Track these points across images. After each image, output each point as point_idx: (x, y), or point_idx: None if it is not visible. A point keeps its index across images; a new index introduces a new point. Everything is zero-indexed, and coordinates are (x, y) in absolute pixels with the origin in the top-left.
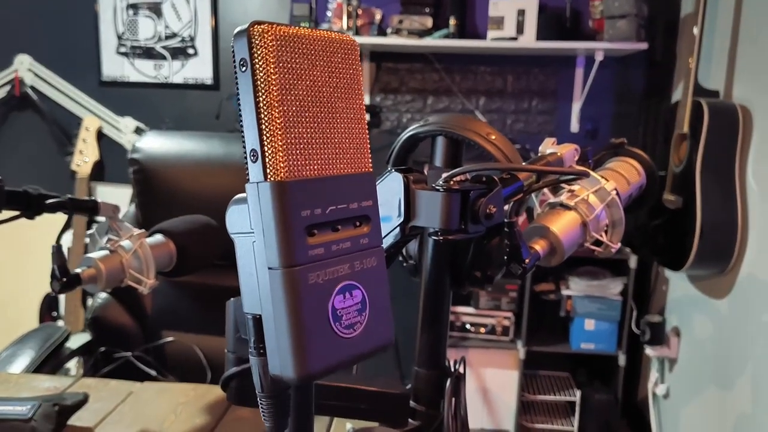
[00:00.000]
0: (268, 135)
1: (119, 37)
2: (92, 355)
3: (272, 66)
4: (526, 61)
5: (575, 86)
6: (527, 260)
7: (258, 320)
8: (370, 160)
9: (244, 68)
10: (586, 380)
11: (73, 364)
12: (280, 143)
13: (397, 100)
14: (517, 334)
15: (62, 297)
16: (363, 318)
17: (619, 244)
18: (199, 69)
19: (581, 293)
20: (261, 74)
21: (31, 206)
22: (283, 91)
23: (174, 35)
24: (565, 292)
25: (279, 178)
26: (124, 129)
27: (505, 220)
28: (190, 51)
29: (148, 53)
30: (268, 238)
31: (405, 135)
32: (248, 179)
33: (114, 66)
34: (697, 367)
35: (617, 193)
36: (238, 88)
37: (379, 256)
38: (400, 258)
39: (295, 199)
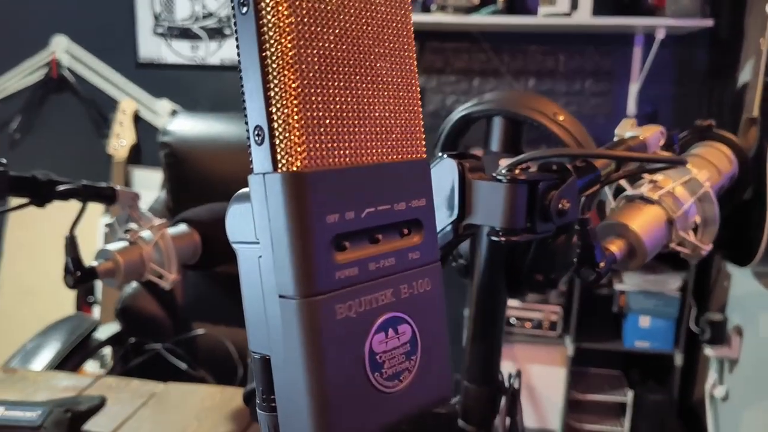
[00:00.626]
0: (279, 106)
1: (156, 18)
2: (122, 346)
3: (285, 5)
4: (580, 40)
5: (633, 66)
6: (602, 264)
7: (266, 363)
8: (423, 143)
9: (244, 8)
10: (639, 379)
11: (108, 352)
12: (296, 118)
13: (442, 81)
14: (566, 329)
15: (99, 283)
16: (412, 363)
17: (711, 246)
18: (235, 49)
19: (636, 288)
20: (269, 17)
21: (39, 193)
22: (301, 43)
23: (210, 15)
24: (618, 286)
25: (295, 168)
26: (160, 111)
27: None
28: (227, 31)
29: (185, 34)
30: (279, 254)
31: (456, 115)
32: (252, 169)
33: (151, 47)
34: (760, 369)
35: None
36: (237, 38)
37: (435, 277)
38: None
39: (319, 197)
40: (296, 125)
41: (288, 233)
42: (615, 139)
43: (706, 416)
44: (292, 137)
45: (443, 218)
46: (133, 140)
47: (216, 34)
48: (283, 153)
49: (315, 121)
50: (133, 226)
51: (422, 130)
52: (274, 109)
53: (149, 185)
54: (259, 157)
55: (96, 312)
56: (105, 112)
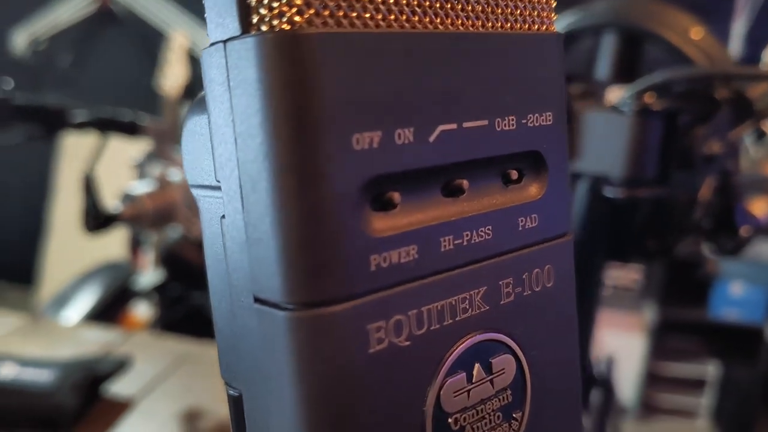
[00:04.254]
0: None
1: None
2: (165, 296)
3: None
4: None
5: (737, 1)
6: (744, 230)
7: (238, 402)
8: (552, 5)
9: None
10: (725, 352)
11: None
12: None
13: None
14: (646, 293)
15: None
16: (516, 427)
17: None
18: None
19: None
20: None
21: (49, 123)
22: None
23: None
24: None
25: (286, 26)
26: None
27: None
28: None
29: None
30: (254, 216)
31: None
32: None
33: None
34: None
35: None
36: None
37: (564, 263)
38: None
39: (336, 92)
40: None
41: (270, 170)
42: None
43: None
44: None
45: None
46: (185, 77)
47: None
48: None
49: None
50: (163, 165)
51: None
52: None
53: None
54: (217, 10)
55: (146, 257)
56: (157, 47)
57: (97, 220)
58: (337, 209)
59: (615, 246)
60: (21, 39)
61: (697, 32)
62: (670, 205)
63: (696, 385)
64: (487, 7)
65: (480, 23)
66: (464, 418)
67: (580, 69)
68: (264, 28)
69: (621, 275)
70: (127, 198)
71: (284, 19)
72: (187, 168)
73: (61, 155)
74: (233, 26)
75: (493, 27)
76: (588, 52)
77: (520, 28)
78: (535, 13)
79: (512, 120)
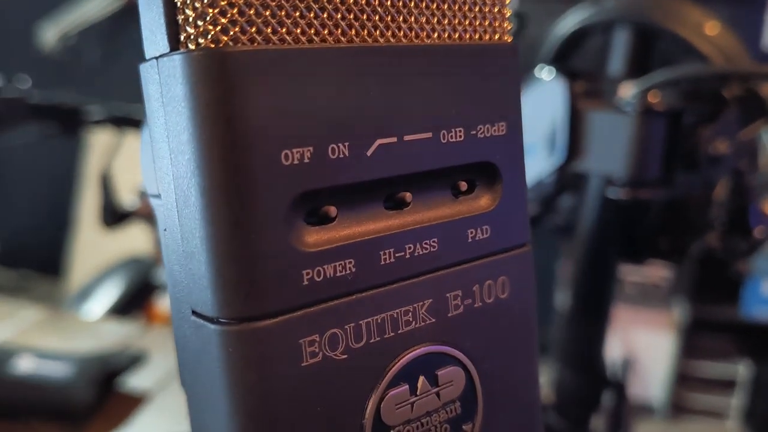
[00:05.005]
0: None
1: None
2: None
3: None
4: None
5: None
6: (758, 230)
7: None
8: (506, 14)
9: None
10: (757, 352)
11: None
12: None
13: None
14: (676, 291)
15: None
16: None
17: None
18: None
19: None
20: None
21: (65, 121)
22: None
23: None
24: None
25: (212, 43)
26: None
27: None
28: None
29: None
30: (187, 227)
31: (566, 26)
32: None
33: None
34: None
35: None
36: None
37: (521, 274)
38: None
39: (262, 105)
40: None
41: (199, 182)
42: None
43: None
44: None
45: (540, 162)
46: None
47: None
48: (192, 8)
49: None
50: None
51: None
52: None
53: None
54: (152, 24)
55: None
56: None
57: (113, 216)
58: (264, 225)
59: (627, 246)
60: (50, 34)
61: (711, 27)
62: (682, 205)
63: (726, 385)
64: (432, 18)
65: (425, 35)
66: (408, 431)
67: (593, 65)
68: (191, 46)
69: (651, 272)
70: (143, 194)
71: (209, 38)
72: (143, 177)
73: (89, 149)
74: (163, 43)
75: (439, 38)
76: (600, 48)
77: (470, 39)
78: (487, 23)
79: (460, 132)
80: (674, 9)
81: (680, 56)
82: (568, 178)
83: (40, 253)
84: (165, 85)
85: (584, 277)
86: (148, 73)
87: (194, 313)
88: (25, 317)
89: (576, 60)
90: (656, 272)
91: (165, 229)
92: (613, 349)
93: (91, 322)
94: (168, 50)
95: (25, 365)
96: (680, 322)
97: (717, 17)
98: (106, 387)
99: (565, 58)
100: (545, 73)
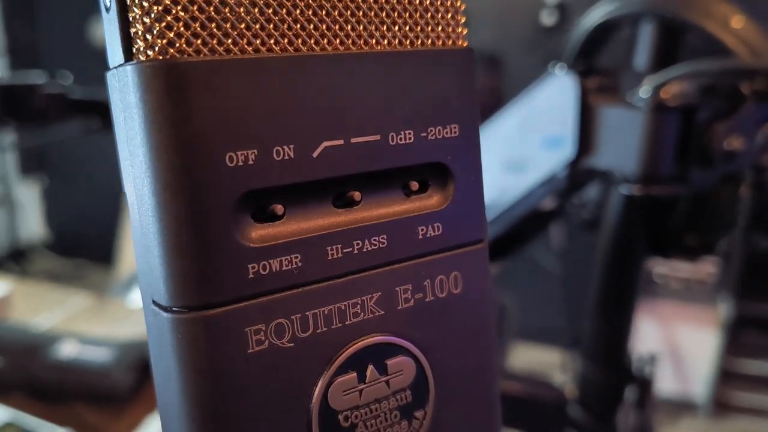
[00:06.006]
0: None
1: None
2: None
3: None
4: None
5: None
6: None
7: None
8: (460, 20)
9: None
10: None
11: None
12: None
13: None
14: (721, 287)
15: None
16: (416, 426)
17: None
18: None
19: None
20: None
21: (106, 116)
22: None
23: None
24: None
25: (161, 55)
26: None
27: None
28: None
29: None
30: (143, 222)
31: (591, 20)
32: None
33: None
34: None
35: None
36: None
37: (474, 269)
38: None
39: (205, 111)
40: None
41: (150, 182)
42: None
43: None
44: None
45: (552, 158)
46: None
47: None
48: (141, 23)
49: None
50: None
51: None
52: None
53: None
54: (111, 37)
55: None
56: None
57: None
58: (210, 221)
59: (654, 242)
60: (101, 31)
61: (738, 21)
62: (709, 201)
63: None
64: (382, 26)
65: (374, 42)
66: (356, 416)
67: (620, 59)
68: (142, 57)
69: (696, 269)
70: None
71: (157, 50)
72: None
73: None
74: (119, 55)
75: (390, 45)
76: (627, 42)
77: (423, 45)
78: (440, 29)
79: (409, 134)
80: (700, 2)
81: (707, 50)
82: (581, 174)
83: (93, 242)
84: (121, 92)
85: (609, 271)
86: (110, 81)
87: (153, 302)
88: (74, 304)
89: (606, 53)
90: (702, 268)
91: (131, 225)
92: (655, 345)
93: (136, 310)
94: (123, 61)
95: (68, 350)
96: (725, 318)
97: (742, 11)
98: (145, 372)
99: (591, 51)
100: (558, 69)
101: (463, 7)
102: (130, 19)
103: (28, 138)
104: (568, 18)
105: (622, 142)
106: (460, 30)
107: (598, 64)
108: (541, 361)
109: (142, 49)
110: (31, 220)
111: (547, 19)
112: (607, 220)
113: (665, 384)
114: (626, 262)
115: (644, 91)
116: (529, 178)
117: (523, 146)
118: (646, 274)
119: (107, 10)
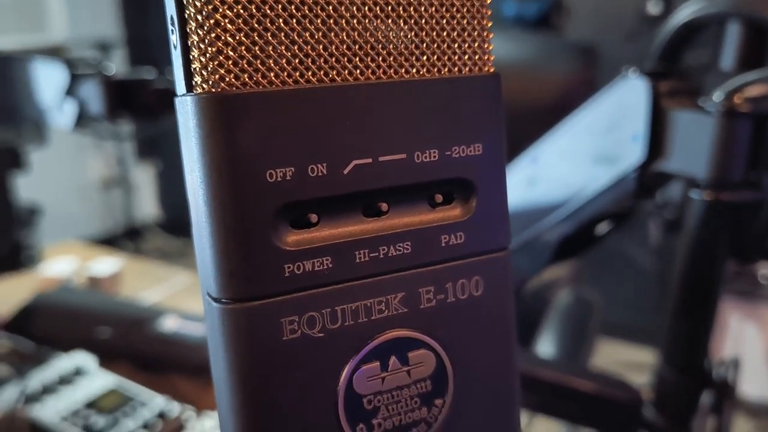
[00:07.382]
0: None
1: None
2: None
3: None
4: None
5: None
6: None
7: None
8: (488, 47)
9: None
10: None
11: None
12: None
13: None
14: None
15: None
16: (434, 414)
17: None
18: None
19: None
20: None
21: None
22: None
23: None
24: None
25: (214, 88)
26: None
27: None
28: None
29: None
30: (198, 228)
31: (678, 20)
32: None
33: None
34: None
35: None
36: None
37: (495, 275)
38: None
39: (245, 137)
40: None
41: (203, 193)
42: None
43: None
44: (212, 34)
45: (622, 160)
46: None
47: None
48: (199, 61)
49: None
50: None
51: (487, 15)
52: None
53: None
54: (177, 70)
55: None
56: None
57: None
58: (252, 228)
59: (736, 246)
60: None
61: None
62: None
63: None
64: (411, 57)
65: (403, 71)
66: (378, 400)
67: (707, 59)
68: (199, 89)
69: None
70: None
71: (210, 84)
72: None
73: None
74: (182, 85)
75: (419, 74)
76: (714, 42)
77: (450, 72)
78: (466, 57)
79: (434, 152)
80: None
81: None
82: (652, 177)
83: None
84: (183, 117)
85: (689, 275)
86: (177, 106)
87: (207, 294)
88: (178, 281)
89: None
90: None
91: (192, 227)
92: (727, 348)
93: None
94: (185, 91)
95: (170, 324)
96: None
97: None
98: None
99: (676, 52)
100: (630, 72)
101: (491, 36)
102: (191, 57)
103: (144, 127)
104: (675, 8)
105: (694, 147)
106: (486, 57)
107: (683, 65)
108: (633, 361)
109: (199, 82)
110: (146, 202)
111: (653, 8)
112: (687, 222)
113: (764, 390)
114: (706, 266)
115: (717, 96)
116: (601, 177)
117: (602, 144)
118: (751, 276)
119: (175, 48)
